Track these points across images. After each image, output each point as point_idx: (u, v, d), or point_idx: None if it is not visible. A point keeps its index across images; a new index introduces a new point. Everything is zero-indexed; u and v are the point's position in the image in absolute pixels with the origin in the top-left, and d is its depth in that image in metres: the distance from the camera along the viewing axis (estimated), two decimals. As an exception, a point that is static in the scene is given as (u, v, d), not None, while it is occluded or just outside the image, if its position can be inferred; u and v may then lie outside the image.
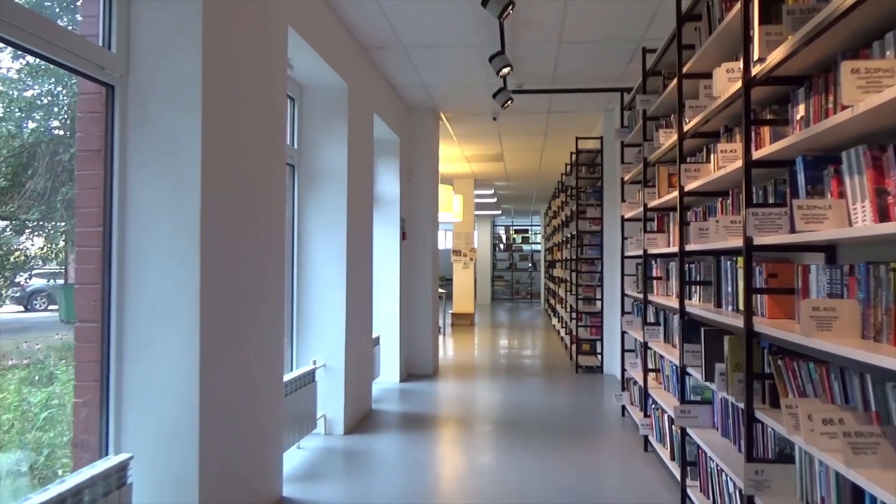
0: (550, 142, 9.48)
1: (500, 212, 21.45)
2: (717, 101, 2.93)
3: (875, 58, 1.86)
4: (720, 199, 3.31)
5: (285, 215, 3.78)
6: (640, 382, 4.72)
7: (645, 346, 4.60)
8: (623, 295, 5.64)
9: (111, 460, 2.43)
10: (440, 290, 11.42)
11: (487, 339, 11.49)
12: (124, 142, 2.67)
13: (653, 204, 4.43)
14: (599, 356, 7.85)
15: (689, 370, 3.40)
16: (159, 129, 2.68)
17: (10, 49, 2.48)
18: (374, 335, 6.41)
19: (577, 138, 8.07)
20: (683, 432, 3.52)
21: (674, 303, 3.80)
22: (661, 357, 4.44)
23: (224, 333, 2.91)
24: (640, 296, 4.76)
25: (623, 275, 5.68)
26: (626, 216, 5.44)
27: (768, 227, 2.38)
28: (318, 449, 4.54)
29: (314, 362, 4.64)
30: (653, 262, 4.64)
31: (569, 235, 9.48)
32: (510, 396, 6.45)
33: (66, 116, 3.00)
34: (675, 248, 3.89)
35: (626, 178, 5.46)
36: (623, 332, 5.45)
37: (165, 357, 2.65)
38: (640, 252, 4.76)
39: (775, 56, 2.26)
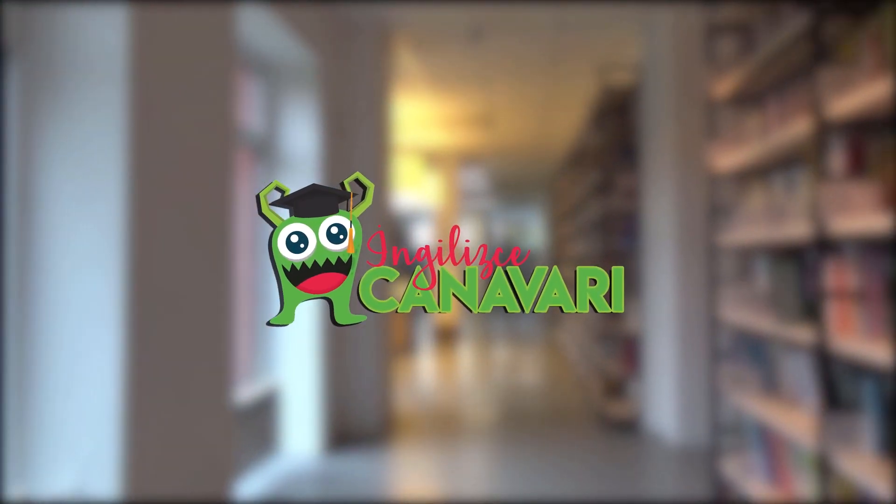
0: (557, 87, 6.75)
1: (493, 204, 18.82)
2: None
3: None
4: None
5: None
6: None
7: (822, 466, 1.91)
8: (714, 320, 2.94)
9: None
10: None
11: (474, 361, 8.80)
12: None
13: (843, 108, 1.73)
14: (636, 402, 5.15)
15: None
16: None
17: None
18: (261, 384, 3.73)
19: (600, 68, 5.35)
20: None
21: None
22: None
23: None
24: (808, 337, 2.05)
25: (715, 281, 2.99)
26: (729, 166, 2.75)
27: None
28: None
29: None
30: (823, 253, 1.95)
31: (585, 222, 6.77)
32: (505, 486, 3.76)
33: None
34: None
35: (724, 93, 2.77)
36: (716, 393, 2.77)
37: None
38: (771, 234, 2.07)
39: None
